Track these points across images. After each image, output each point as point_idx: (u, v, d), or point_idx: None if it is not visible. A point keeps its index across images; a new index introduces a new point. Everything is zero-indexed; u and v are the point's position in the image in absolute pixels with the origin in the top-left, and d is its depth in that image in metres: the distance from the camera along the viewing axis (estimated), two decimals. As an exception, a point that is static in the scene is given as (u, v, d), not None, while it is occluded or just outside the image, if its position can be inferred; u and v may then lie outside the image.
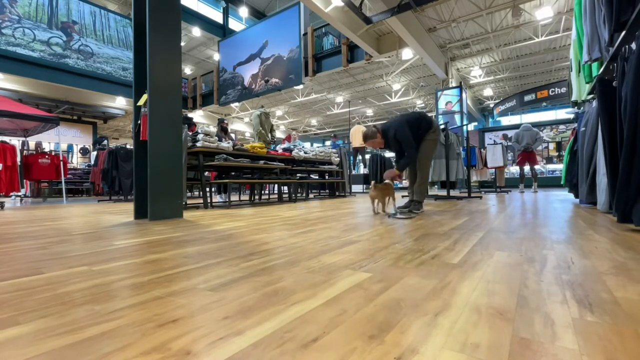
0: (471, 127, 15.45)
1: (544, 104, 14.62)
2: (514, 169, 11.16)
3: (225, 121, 6.74)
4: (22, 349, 0.56)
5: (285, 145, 6.28)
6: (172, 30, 2.96)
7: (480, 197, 5.48)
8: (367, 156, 9.58)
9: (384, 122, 3.14)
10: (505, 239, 1.61)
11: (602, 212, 2.75)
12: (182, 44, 9.95)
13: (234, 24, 15.78)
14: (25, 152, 7.38)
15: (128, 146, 6.93)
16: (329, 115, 19.43)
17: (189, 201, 5.41)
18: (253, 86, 11.87)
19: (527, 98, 12.71)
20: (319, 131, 23.59)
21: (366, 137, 3.10)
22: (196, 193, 9.67)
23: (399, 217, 2.68)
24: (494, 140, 10.97)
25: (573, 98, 3.94)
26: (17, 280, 1.01)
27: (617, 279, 0.93)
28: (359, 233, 1.87)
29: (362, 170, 10.11)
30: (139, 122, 3.02)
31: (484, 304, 0.75)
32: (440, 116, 10.38)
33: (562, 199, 4.73)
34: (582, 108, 3.98)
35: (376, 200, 3.02)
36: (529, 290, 0.84)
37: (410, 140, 2.94)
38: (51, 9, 9.56)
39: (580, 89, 3.58)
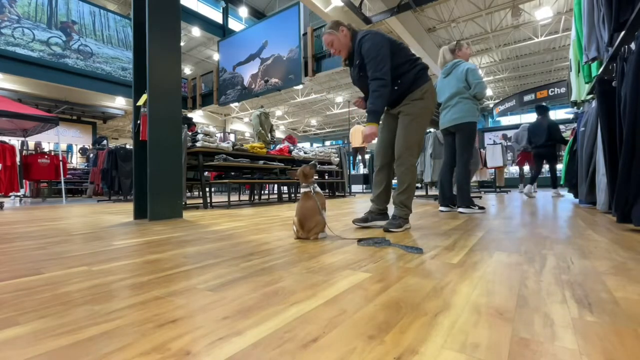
0: (471, 127, 15.41)
1: (544, 104, 14.62)
2: (514, 169, 11.17)
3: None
4: (21, 349, 0.56)
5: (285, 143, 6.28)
6: (172, 30, 2.96)
7: (480, 197, 5.49)
8: (367, 156, 9.59)
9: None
10: (505, 239, 1.61)
11: (602, 212, 2.75)
12: (182, 44, 9.96)
13: (233, 24, 15.77)
14: (24, 152, 7.36)
15: (128, 146, 6.92)
16: (328, 115, 19.44)
17: (188, 201, 5.40)
18: (253, 86, 11.87)
19: (526, 98, 12.73)
20: (318, 131, 23.60)
21: (328, 30, 2.04)
22: (196, 193, 9.66)
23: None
24: (494, 140, 10.97)
25: (573, 98, 3.95)
26: (17, 280, 1.00)
27: (616, 279, 0.93)
28: (359, 233, 1.87)
29: (362, 170, 10.11)
30: (138, 122, 3.02)
31: (484, 304, 0.75)
32: (439, 116, 10.38)
33: (561, 199, 4.74)
34: (581, 108, 3.99)
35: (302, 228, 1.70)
36: (528, 290, 0.84)
37: (386, 60, 1.88)
38: (50, 9, 9.55)
39: (580, 89, 3.59)
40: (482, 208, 3.03)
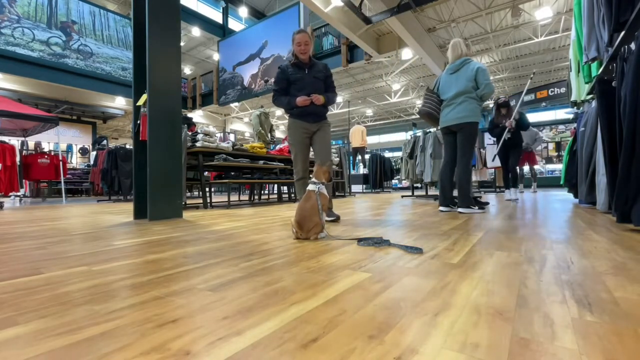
0: (471, 127, 15.41)
1: (544, 104, 14.62)
2: (514, 169, 11.13)
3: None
4: (21, 349, 0.56)
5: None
6: (172, 30, 2.96)
7: (480, 197, 5.48)
8: (367, 156, 9.59)
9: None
10: (505, 238, 1.61)
11: (602, 212, 2.75)
12: (182, 43, 9.94)
13: (233, 24, 15.76)
14: (24, 152, 7.36)
15: (127, 146, 6.92)
16: (328, 115, 19.40)
17: (188, 201, 5.40)
18: (252, 86, 11.87)
19: (526, 98, 12.70)
20: (318, 131, 23.55)
21: (309, 34, 2.74)
22: (196, 193, 9.66)
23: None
24: (494, 140, 10.97)
25: (572, 98, 3.94)
26: (17, 280, 1.00)
27: (616, 279, 0.93)
28: (359, 233, 1.87)
29: (362, 170, 10.11)
30: (138, 122, 3.02)
31: (484, 304, 0.75)
32: (440, 116, 10.38)
33: (561, 199, 4.74)
34: (581, 108, 3.99)
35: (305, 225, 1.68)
36: (528, 290, 0.84)
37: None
38: (50, 8, 9.55)
39: (580, 89, 3.59)
40: (486, 203, 3.03)
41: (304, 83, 2.61)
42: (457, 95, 3.00)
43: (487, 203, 3.14)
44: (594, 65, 2.82)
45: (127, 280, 0.99)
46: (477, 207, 2.99)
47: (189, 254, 1.36)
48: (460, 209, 3.00)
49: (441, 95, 3.19)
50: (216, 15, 15.30)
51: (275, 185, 7.10)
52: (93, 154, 9.32)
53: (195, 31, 13.83)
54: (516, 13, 8.62)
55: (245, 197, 7.71)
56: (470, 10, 8.92)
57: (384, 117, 20.28)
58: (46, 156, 6.97)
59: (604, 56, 2.30)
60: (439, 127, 3.29)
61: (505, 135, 4.32)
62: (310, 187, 1.76)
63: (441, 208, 3.20)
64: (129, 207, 4.67)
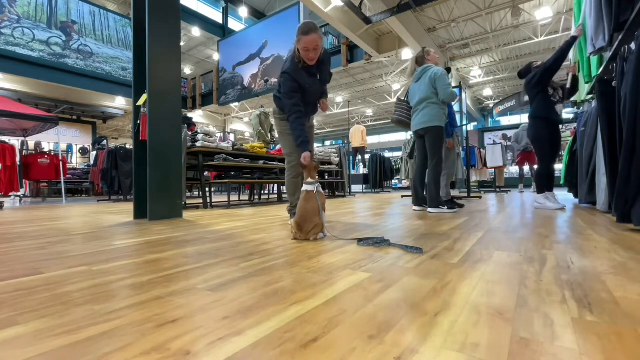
0: (470, 127, 15.46)
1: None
2: (514, 169, 11.17)
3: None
4: (21, 349, 0.56)
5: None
6: (172, 30, 2.96)
7: (480, 197, 5.49)
8: (367, 156, 9.59)
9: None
10: (505, 238, 1.61)
11: (602, 212, 2.75)
12: (182, 44, 9.94)
13: (233, 24, 15.76)
14: (24, 152, 7.36)
15: (127, 146, 6.92)
16: (328, 115, 19.43)
17: (188, 201, 5.40)
18: (253, 86, 11.87)
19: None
20: (318, 131, 23.59)
21: (319, 33, 2.06)
22: (196, 193, 9.66)
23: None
24: (494, 140, 10.98)
25: (573, 98, 3.95)
26: (16, 280, 1.00)
27: (616, 278, 0.93)
28: (359, 233, 1.87)
29: (362, 170, 10.11)
30: (138, 122, 3.02)
31: (484, 304, 0.75)
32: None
33: (561, 199, 4.74)
34: (581, 108, 3.99)
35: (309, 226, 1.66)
36: (528, 290, 0.84)
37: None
38: (50, 8, 9.55)
39: (580, 89, 3.59)
40: (461, 206, 3.16)
41: (312, 91, 2.21)
42: (420, 102, 3.14)
43: (463, 205, 3.25)
44: (594, 65, 2.82)
45: (127, 280, 0.99)
46: (446, 207, 3.05)
47: (189, 254, 1.36)
48: (429, 209, 3.08)
49: (410, 102, 3.34)
50: (216, 15, 15.30)
51: (275, 185, 7.10)
52: (93, 154, 9.32)
53: (195, 31, 13.83)
54: (516, 13, 8.63)
55: (245, 197, 7.71)
56: (470, 10, 8.93)
57: (384, 117, 20.28)
58: (46, 156, 6.96)
59: (612, 46, 2.26)
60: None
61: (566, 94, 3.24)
62: (307, 187, 1.73)
63: (415, 207, 3.32)
64: (129, 207, 4.67)
